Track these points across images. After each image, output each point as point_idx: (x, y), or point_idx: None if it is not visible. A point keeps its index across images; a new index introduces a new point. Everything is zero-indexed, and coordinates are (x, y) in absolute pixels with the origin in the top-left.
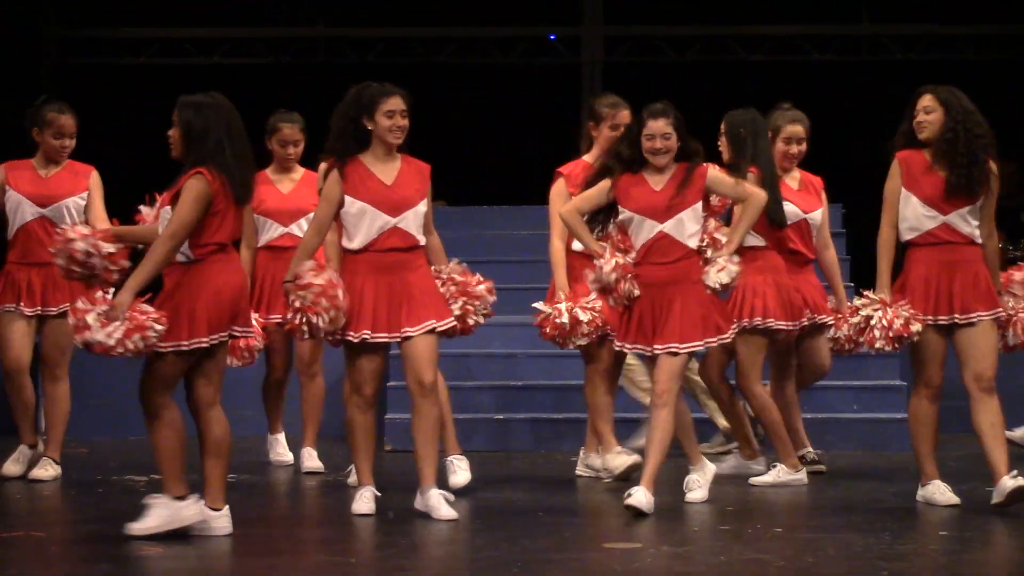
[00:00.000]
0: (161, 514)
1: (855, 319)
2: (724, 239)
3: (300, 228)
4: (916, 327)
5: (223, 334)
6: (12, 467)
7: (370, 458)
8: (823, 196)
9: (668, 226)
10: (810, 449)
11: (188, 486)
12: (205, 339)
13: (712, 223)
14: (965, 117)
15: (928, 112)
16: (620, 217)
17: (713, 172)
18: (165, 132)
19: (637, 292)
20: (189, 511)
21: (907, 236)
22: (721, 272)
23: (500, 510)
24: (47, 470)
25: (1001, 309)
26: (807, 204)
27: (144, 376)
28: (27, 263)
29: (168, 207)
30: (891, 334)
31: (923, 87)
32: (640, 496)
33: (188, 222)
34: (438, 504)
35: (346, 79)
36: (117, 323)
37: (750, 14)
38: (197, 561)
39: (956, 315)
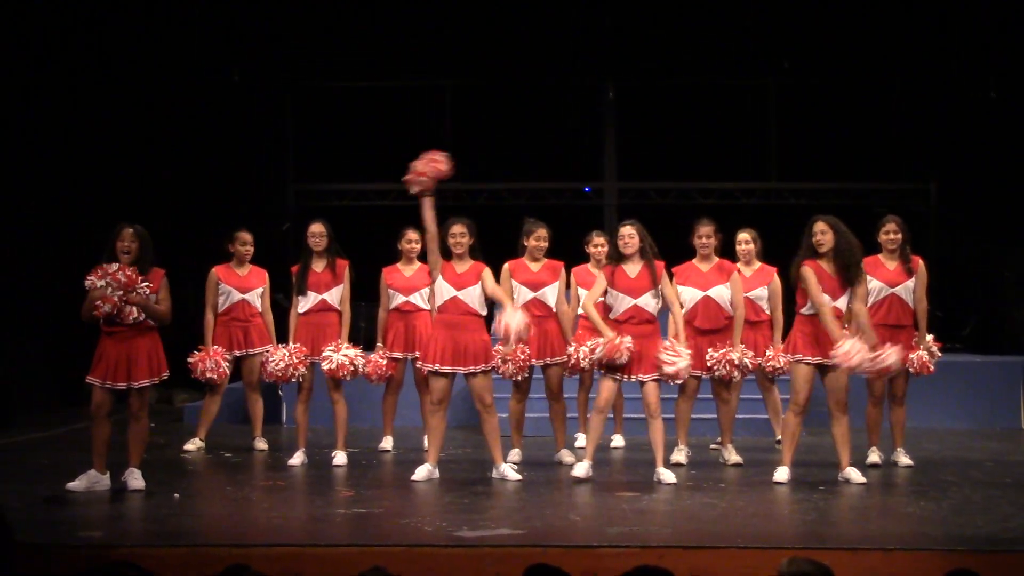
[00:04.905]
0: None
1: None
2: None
3: (421, 297)
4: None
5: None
6: (260, 444)
7: (437, 445)
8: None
9: (639, 301)
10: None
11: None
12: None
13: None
14: (846, 236)
15: (823, 234)
16: (607, 297)
17: (664, 273)
18: (365, 251)
19: (624, 359)
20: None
21: (807, 311)
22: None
23: (548, 478)
24: (261, 444)
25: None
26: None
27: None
28: (235, 322)
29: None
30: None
31: (816, 216)
32: (667, 474)
33: None
34: (508, 472)
35: (463, 214)
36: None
37: (705, 175)
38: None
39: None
